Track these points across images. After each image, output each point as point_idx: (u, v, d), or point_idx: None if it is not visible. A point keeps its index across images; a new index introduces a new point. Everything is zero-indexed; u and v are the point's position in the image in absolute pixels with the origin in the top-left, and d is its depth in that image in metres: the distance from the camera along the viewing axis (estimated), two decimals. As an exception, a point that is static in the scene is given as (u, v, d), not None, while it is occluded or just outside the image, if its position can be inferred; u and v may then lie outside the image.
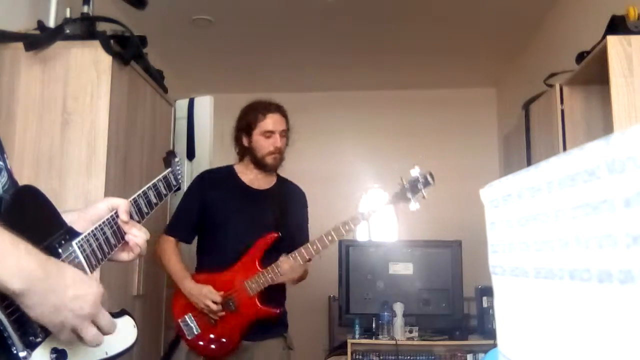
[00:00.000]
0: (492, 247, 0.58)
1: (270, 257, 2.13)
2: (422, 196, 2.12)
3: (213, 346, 2.10)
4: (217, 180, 2.29)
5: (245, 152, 2.30)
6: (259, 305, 2.11)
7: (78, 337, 0.87)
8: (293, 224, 2.24)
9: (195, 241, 2.31)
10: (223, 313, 2.08)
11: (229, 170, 2.33)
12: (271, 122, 2.23)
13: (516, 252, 0.52)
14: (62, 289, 0.82)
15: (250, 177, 2.29)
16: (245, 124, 2.26)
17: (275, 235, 2.16)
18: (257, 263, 2.13)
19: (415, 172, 2.12)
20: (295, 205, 2.33)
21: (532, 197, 0.48)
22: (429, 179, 2.13)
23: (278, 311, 2.14)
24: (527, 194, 0.48)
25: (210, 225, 2.22)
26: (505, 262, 0.55)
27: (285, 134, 2.28)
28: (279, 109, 2.27)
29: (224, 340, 2.10)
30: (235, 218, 2.20)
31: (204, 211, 2.22)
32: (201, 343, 2.11)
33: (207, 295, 2.07)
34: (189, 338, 2.11)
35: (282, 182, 2.37)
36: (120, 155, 2.16)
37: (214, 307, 2.06)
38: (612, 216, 0.36)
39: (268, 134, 2.22)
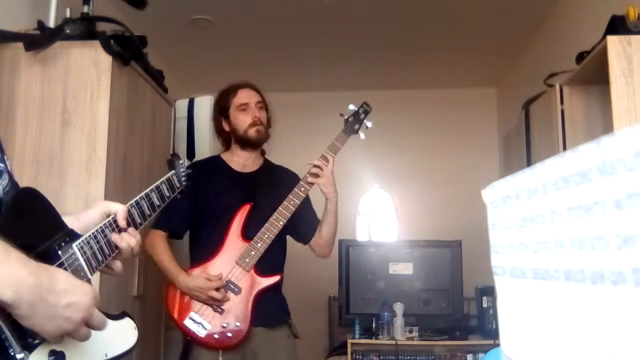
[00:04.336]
0: (493, 248, 0.58)
1: (256, 229, 2.08)
2: (366, 126, 2.26)
3: (230, 334, 2.01)
4: (207, 170, 2.25)
5: (230, 138, 2.29)
6: (258, 277, 2.07)
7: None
8: (280, 202, 2.13)
9: (187, 240, 2.26)
10: (229, 298, 2.03)
11: (216, 159, 2.32)
12: (244, 95, 2.26)
13: (515, 253, 0.52)
14: (55, 297, 0.80)
15: (238, 161, 2.27)
16: (220, 108, 2.29)
17: (248, 205, 2.13)
18: (240, 239, 2.09)
19: (352, 106, 2.26)
20: (285, 185, 2.22)
21: (529, 199, 0.48)
22: (366, 107, 2.26)
23: (279, 277, 2.12)
24: (525, 195, 0.49)
25: (201, 217, 2.18)
26: (506, 262, 0.55)
27: (262, 105, 2.29)
28: (248, 84, 2.31)
29: (238, 324, 2.02)
30: (224, 205, 2.16)
31: (195, 202, 2.16)
32: (216, 337, 2.01)
33: (207, 286, 2.00)
34: (202, 336, 2.01)
35: (270, 165, 2.35)
36: (120, 156, 2.16)
37: (217, 295, 2.00)
38: (603, 218, 0.36)
39: (243, 106, 2.24)
